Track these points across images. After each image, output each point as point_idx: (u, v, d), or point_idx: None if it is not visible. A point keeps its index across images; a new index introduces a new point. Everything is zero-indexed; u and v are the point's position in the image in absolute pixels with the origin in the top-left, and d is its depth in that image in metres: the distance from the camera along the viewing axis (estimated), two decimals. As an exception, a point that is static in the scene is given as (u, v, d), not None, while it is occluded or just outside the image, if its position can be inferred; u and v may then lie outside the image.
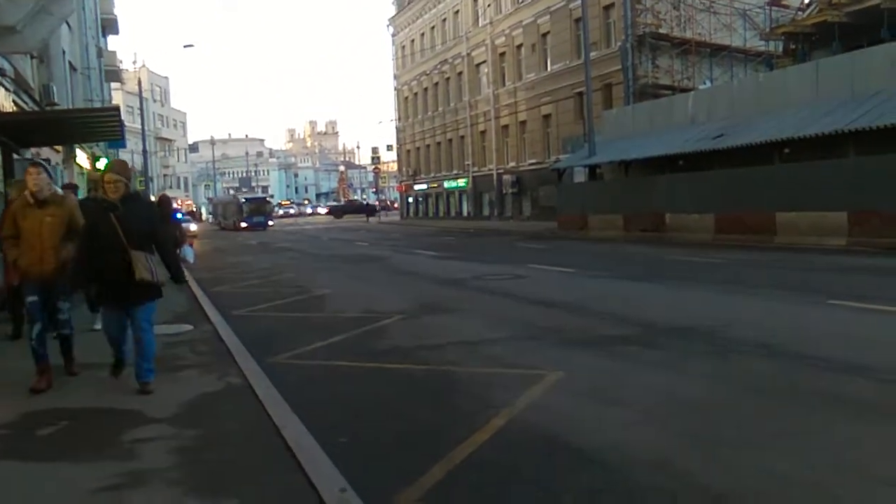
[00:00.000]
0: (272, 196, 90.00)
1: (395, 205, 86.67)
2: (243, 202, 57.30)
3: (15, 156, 13.94)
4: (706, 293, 11.03)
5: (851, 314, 8.60)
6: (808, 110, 20.26)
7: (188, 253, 13.40)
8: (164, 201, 13.47)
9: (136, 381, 5.92)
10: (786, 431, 4.59)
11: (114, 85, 46.73)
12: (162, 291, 5.96)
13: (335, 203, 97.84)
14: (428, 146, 56.70)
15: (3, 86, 13.80)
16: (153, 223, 6.06)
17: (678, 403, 5.29)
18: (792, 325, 8.01)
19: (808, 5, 28.74)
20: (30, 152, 15.83)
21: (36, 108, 16.81)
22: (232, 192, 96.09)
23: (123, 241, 5.65)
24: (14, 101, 14.46)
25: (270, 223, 55.01)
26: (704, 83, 31.82)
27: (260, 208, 55.03)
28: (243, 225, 52.47)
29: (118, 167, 6.09)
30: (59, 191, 6.87)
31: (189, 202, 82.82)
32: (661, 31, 32.30)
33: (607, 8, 34.42)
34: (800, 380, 5.76)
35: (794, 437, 4.49)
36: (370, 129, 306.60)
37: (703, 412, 5.08)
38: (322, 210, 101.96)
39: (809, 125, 19.38)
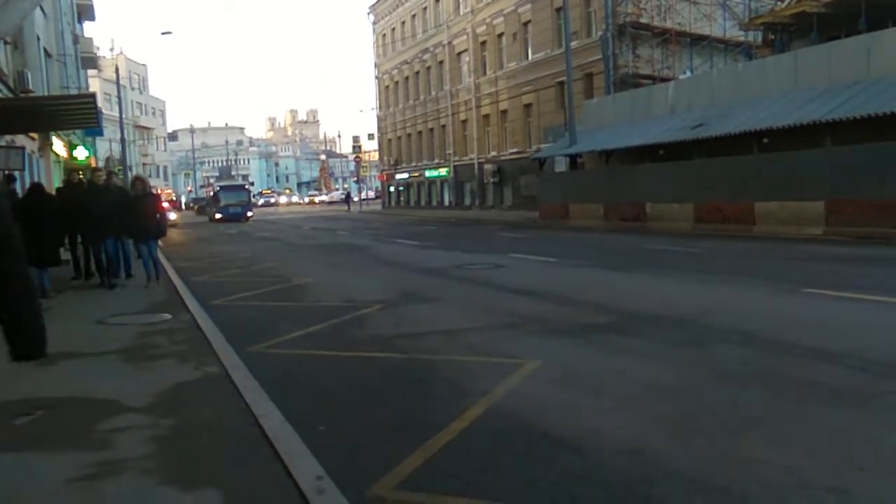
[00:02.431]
0: (252, 184, 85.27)
1: (370, 194, 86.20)
2: (218, 189, 51.45)
3: (-12, 143, 13.73)
4: (685, 282, 11.11)
5: (826, 302, 8.70)
6: (786, 100, 20.41)
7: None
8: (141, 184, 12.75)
9: None
10: (761, 418, 4.64)
11: (91, 72, 46.09)
12: None
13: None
14: (409, 135, 56.52)
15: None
16: None
17: (655, 390, 5.33)
18: (768, 313, 8.08)
19: (787, -5, 28.88)
20: (4, 140, 15.59)
21: (10, 95, 16.55)
22: (211, 180, 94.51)
23: None
24: (-13, 87, 14.23)
25: (249, 213, 49.05)
26: (684, 73, 31.92)
27: (238, 197, 49.34)
28: (218, 216, 47.32)
29: None
30: None
31: (169, 191, 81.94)
32: (641, 20, 32.34)
33: (588, -3, 34.42)
34: (775, 367, 5.83)
35: (769, 423, 4.54)
36: (351, 117, 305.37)
37: (680, 399, 5.12)
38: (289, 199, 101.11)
39: (788, 115, 19.52)
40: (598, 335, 7.35)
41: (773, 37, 28.71)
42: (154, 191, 15.06)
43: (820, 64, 20.27)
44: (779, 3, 28.81)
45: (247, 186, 56.98)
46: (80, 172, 15.67)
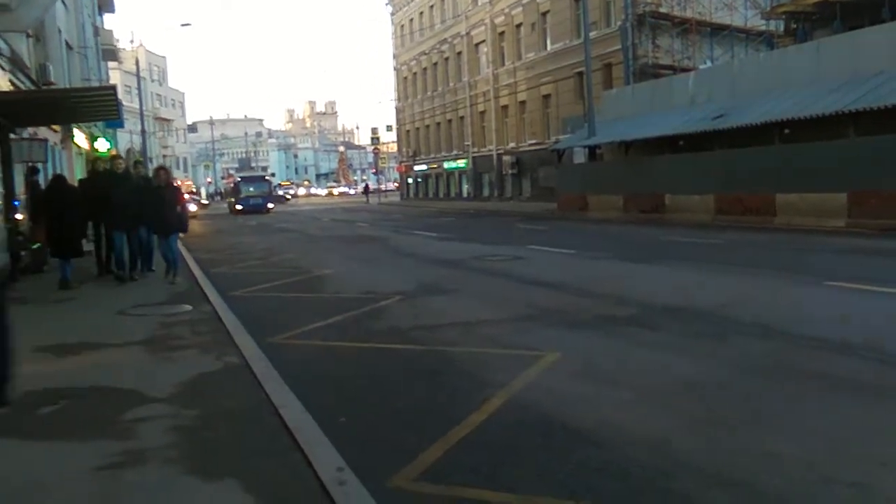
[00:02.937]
0: (273, 174, 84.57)
1: (389, 185, 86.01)
2: (239, 181, 50.79)
3: (11, 135, 13.88)
4: (705, 274, 11.03)
5: (848, 295, 8.60)
6: (808, 90, 20.16)
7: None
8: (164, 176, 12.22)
9: None
10: (781, 411, 4.61)
11: (111, 64, 46.45)
12: None
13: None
14: (427, 126, 56.47)
15: (0, 65, 13.71)
16: None
17: (675, 383, 5.30)
18: (789, 306, 8.02)
19: (810, -16, 28.48)
20: (27, 132, 15.75)
21: (33, 88, 16.71)
22: (231, 171, 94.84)
23: None
24: (10, 80, 14.36)
25: (271, 205, 48.09)
26: (705, 63, 31.62)
27: (259, 189, 48.49)
28: (238, 208, 46.50)
29: None
30: None
31: (189, 183, 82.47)
32: (661, 10, 32.06)
33: (607, -14, 34.15)
34: (796, 360, 5.78)
35: (790, 417, 4.51)
36: (370, 109, 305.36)
37: (700, 392, 5.09)
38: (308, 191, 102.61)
39: (810, 105, 19.29)
40: (618, 327, 7.32)
41: (795, 26, 28.38)
42: (175, 183, 14.70)
43: (843, 53, 19.99)
44: (801, -9, 28.43)
45: (268, 177, 55.91)
46: (104, 162, 15.76)
